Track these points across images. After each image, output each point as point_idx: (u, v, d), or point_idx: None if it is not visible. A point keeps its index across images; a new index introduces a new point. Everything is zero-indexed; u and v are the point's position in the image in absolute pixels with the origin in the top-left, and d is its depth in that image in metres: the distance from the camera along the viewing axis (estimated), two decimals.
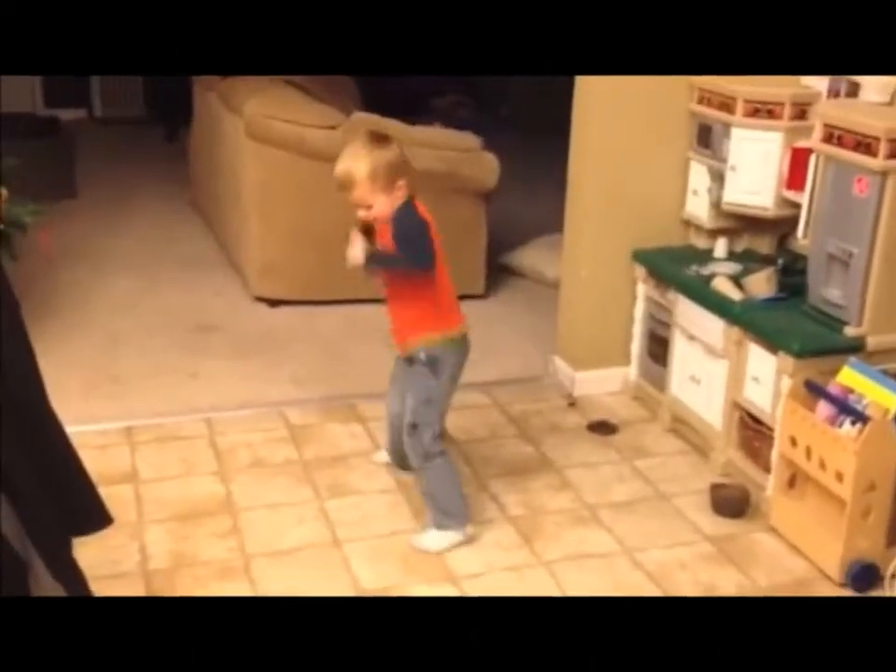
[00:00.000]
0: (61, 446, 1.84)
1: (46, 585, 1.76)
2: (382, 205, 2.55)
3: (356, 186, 2.53)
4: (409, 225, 2.57)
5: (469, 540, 2.76)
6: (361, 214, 2.58)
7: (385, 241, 2.61)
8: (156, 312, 4.19)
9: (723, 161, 3.25)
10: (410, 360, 2.71)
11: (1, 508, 1.68)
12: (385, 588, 2.58)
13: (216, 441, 3.23)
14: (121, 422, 3.29)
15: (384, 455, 3.08)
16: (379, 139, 2.59)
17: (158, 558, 2.65)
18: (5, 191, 3.36)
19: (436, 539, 2.75)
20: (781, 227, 3.32)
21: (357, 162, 2.52)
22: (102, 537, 2.55)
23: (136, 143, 6.65)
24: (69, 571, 1.83)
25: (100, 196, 5.59)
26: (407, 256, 2.55)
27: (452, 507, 2.75)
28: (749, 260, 3.32)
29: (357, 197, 2.55)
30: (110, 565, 2.55)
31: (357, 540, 2.75)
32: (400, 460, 2.90)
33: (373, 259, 2.58)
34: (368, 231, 2.64)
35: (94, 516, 1.93)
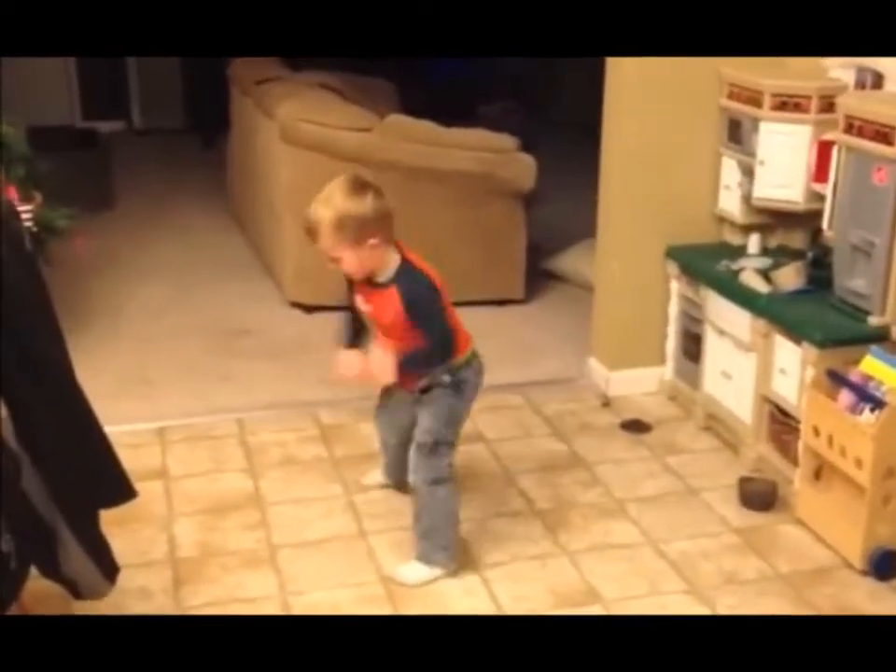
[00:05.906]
0: (87, 420, 2.08)
1: (72, 553, 1.99)
2: (350, 262, 2.49)
3: (320, 235, 2.47)
4: (426, 300, 2.52)
5: (452, 574, 2.77)
6: (330, 266, 2.53)
7: (380, 308, 2.55)
8: (190, 316, 4.47)
9: (753, 155, 3.43)
10: (427, 388, 2.68)
11: (24, 474, 1.91)
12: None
13: (246, 440, 3.48)
14: (154, 423, 3.55)
15: (377, 477, 3.17)
16: (358, 187, 2.50)
17: (186, 548, 2.89)
18: (39, 196, 3.67)
19: (420, 571, 2.74)
20: (813, 221, 3.46)
21: (325, 209, 2.45)
22: (131, 529, 2.84)
23: (175, 152, 7.01)
24: (96, 540, 2.07)
25: (137, 206, 5.92)
26: (433, 338, 2.53)
27: (449, 540, 2.76)
28: (781, 256, 3.48)
29: (322, 247, 2.49)
30: (139, 554, 2.80)
31: (384, 532, 2.97)
32: (402, 483, 2.93)
33: (403, 366, 2.53)
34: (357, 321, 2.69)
35: (120, 488, 2.17)
